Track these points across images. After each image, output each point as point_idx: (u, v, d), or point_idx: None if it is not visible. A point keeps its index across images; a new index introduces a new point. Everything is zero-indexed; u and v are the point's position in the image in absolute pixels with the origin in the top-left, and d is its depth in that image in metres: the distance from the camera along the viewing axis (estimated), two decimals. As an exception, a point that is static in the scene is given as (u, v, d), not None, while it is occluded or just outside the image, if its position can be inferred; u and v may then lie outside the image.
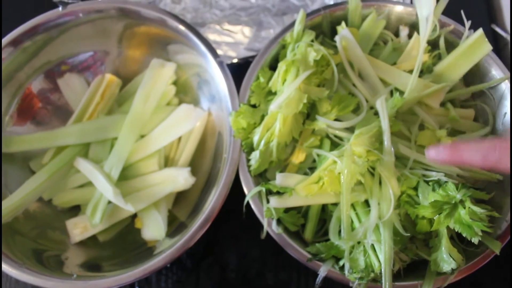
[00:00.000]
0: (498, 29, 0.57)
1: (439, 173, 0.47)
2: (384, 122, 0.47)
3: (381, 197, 0.47)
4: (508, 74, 0.53)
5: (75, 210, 0.60)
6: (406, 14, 0.59)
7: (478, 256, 0.47)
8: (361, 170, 0.46)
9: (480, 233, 0.43)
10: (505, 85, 0.54)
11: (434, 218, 0.45)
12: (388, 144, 0.47)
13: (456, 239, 0.48)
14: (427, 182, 0.47)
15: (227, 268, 0.61)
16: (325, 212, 0.52)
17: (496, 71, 0.54)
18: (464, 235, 0.43)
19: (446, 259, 0.45)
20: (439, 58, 0.57)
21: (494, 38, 0.72)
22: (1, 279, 0.59)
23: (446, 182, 0.44)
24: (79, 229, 0.57)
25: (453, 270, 0.45)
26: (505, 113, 0.54)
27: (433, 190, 0.45)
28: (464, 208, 0.43)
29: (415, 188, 0.47)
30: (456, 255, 0.45)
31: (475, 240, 0.43)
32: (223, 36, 0.71)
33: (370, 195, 0.47)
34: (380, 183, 0.47)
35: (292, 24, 0.57)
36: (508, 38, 0.67)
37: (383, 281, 0.44)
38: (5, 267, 0.49)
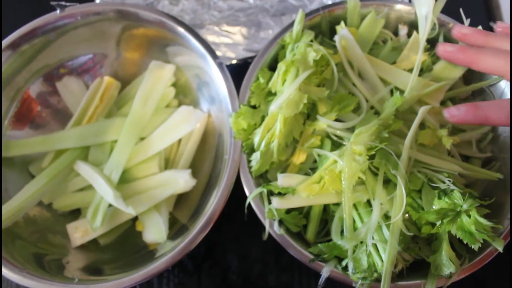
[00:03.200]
0: (496, 27, 0.58)
1: (442, 172, 0.47)
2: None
3: (386, 198, 0.46)
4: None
5: (76, 213, 0.60)
6: (405, 13, 0.59)
7: (482, 254, 0.47)
8: (362, 168, 0.45)
9: (481, 241, 0.43)
10: (505, 83, 0.54)
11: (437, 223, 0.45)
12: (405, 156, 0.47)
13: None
14: (431, 186, 0.47)
15: (228, 270, 0.61)
16: (327, 213, 0.52)
17: (496, 69, 0.54)
18: (465, 241, 0.43)
19: (446, 263, 0.45)
20: (438, 56, 0.57)
21: (492, 36, 0.72)
22: (1, 284, 0.59)
23: (452, 190, 0.44)
24: (79, 232, 0.57)
25: (451, 273, 0.45)
26: (505, 110, 0.54)
27: (439, 198, 0.44)
28: (468, 216, 0.43)
29: (419, 191, 0.47)
30: (455, 260, 0.45)
31: (475, 247, 0.43)
32: (221, 37, 0.71)
33: (372, 196, 0.47)
34: (383, 183, 0.47)
35: (291, 25, 0.56)
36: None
37: (382, 280, 0.44)
38: (6, 272, 0.48)
